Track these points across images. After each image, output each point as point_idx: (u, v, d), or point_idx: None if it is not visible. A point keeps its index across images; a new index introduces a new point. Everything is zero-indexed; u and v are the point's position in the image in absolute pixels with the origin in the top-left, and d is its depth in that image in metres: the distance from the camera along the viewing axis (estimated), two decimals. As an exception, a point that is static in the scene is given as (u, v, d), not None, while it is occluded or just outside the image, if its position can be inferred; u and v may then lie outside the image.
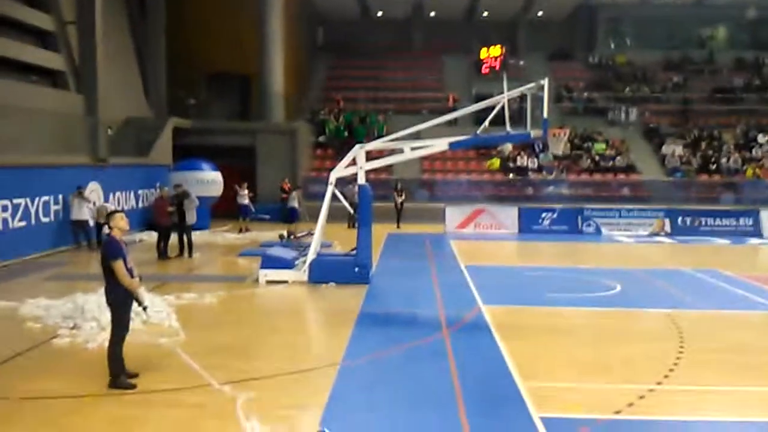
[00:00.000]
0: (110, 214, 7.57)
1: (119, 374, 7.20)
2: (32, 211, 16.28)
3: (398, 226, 24.15)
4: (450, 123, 23.08)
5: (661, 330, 10.05)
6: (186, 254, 17.01)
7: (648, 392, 7.20)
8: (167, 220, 16.71)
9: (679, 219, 23.21)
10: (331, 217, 14.56)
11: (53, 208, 17.21)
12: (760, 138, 31.97)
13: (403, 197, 24.78)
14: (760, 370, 8.16)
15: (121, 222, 7.46)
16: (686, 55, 40.38)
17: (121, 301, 7.26)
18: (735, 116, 34.64)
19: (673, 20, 42.08)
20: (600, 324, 10.57)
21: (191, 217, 17.16)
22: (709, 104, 35.72)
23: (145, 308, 7.63)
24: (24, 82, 19.85)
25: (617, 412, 6.60)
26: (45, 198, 16.82)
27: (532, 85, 13.05)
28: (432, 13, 42.37)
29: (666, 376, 7.75)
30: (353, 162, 13.90)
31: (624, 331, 10.08)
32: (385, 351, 8.68)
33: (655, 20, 41.99)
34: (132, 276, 7.26)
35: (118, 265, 7.11)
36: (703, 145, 31.55)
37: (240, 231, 21.88)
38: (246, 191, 22.46)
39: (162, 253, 16.56)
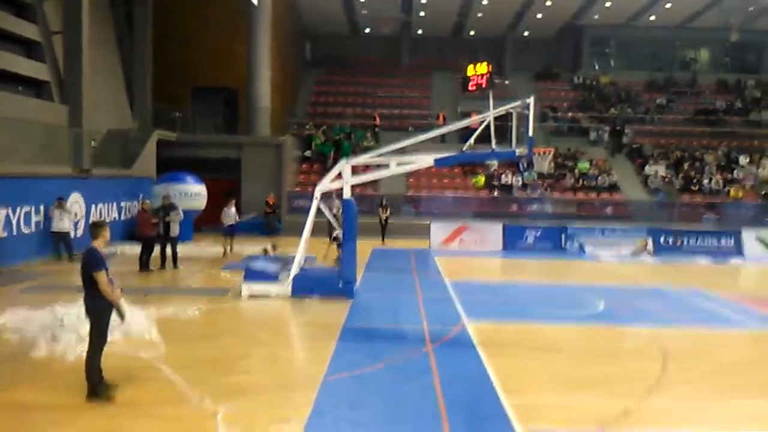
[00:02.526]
0: (99, 226, 7.52)
1: (97, 385, 7.09)
2: (13, 221, 16.09)
3: (383, 242, 24.11)
4: (439, 140, 23.21)
5: (644, 347, 10.06)
6: (169, 266, 16.90)
7: (632, 409, 7.18)
8: (150, 232, 16.58)
9: (662, 238, 23.35)
10: (315, 231, 14.48)
11: (34, 218, 17.01)
12: (742, 160, 32.39)
13: (389, 213, 24.77)
14: (741, 387, 8.19)
15: (107, 233, 7.46)
16: (670, 77, 40.93)
17: (101, 312, 7.18)
18: (717, 138, 35.08)
19: (657, 42, 42.74)
20: (584, 341, 10.57)
21: (175, 230, 17.07)
22: (691, 126, 36.16)
23: (122, 320, 7.53)
24: (8, 92, 19.68)
25: (601, 428, 6.57)
26: (26, 208, 16.63)
27: (518, 103, 13.11)
28: (420, 31, 42.76)
29: (649, 393, 7.75)
30: (339, 177, 13.89)
31: (608, 349, 10.08)
32: (368, 366, 8.61)
33: (640, 42, 42.66)
34: (113, 287, 7.19)
35: (101, 276, 7.04)
36: (686, 166, 31.88)
37: (225, 254, 19.85)
38: (233, 209, 20.39)
39: (143, 264, 16.42)
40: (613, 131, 34.16)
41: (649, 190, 30.52)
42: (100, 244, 7.34)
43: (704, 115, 36.85)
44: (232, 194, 22.31)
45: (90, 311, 7.22)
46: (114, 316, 7.32)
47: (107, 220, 20.42)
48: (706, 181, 30.51)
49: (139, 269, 16.28)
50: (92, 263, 7.09)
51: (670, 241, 23.33)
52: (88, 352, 7.23)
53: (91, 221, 18.85)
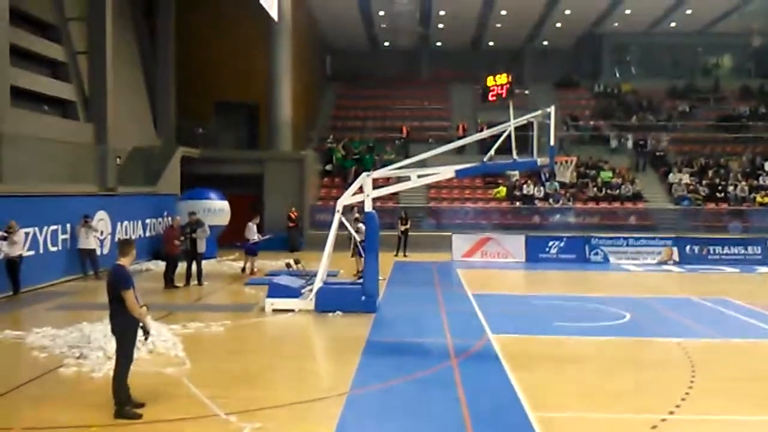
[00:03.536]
0: (126, 244, 7.61)
1: (125, 404, 7.14)
2: (41, 240, 16.31)
3: (399, 255, 23.87)
4: (457, 151, 23.21)
5: (671, 359, 9.94)
6: (195, 282, 17.06)
7: (660, 422, 7.09)
8: (176, 250, 16.71)
9: (687, 247, 23.06)
10: (337, 245, 14.52)
11: (61, 237, 17.24)
12: (767, 166, 31.92)
13: (408, 225, 24.64)
14: (773, 400, 8.04)
15: (134, 252, 7.53)
16: (692, 84, 40.54)
17: (127, 330, 7.24)
18: (741, 144, 34.64)
19: (679, 48, 42.46)
20: (610, 353, 10.46)
21: (201, 246, 17.23)
22: (715, 132, 35.75)
23: (146, 338, 7.59)
24: (35, 112, 20.02)
25: (629, 443, 6.51)
26: (53, 227, 16.86)
27: (538, 112, 13.08)
28: (438, 44, 42.87)
29: (678, 406, 7.64)
30: (360, 190, 13.94)
31: (634, 361, 9.97)
32: (392, 380, 8.60)
33: (661, 48, 42.38)
34: (139, 305, 7.25)
35: (129, 295, 7.10)
36: (710, 173, 31.51)
37: (244, 270, 19.39)
38: (255, 226, 19.49)
39: (169, 281, 16.57)
40: (638, 145, 33.63)
41: (673, 199, 30.17)
42: (126, 261, 7.40)
43: (728, 121, 36.43)
44: (257, 210, 22.27)
45: (116, 329, 7.29)
46: (139, 334, 7.38)
47: (133, 238, 20.66)
48: (731, 189, 30.09)
49: (164, 286, 16.41)
50: (120, 281, 7.15)
51: (696, 250, 23.03)
52: (115, 370, 7.29)
53: (117, 239, 19.11)
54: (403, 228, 24.37)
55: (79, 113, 22.28)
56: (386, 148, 32.28)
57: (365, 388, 8.26)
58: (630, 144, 33.86)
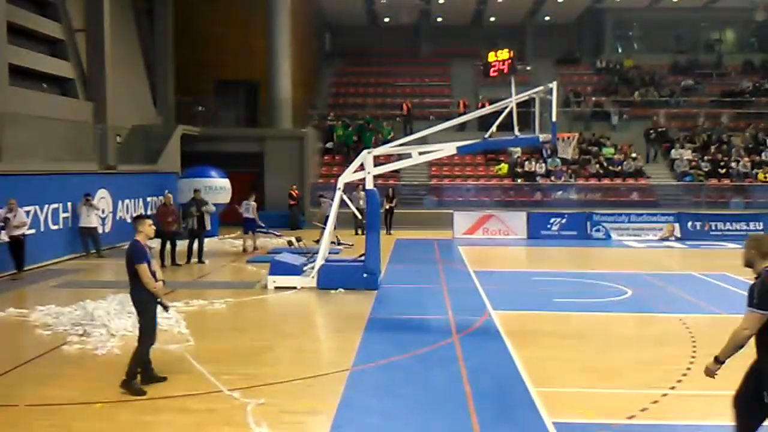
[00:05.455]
0: (139, 219, 7.69)
1: (134, 377, 7.27)
2: (41, 218, 16.31)
3: (388, 233, 23.75)
4: (458, 128, 23.09)
5: (673, 335, 9.97)
6: (195, 260, 17.09)
7: (661, 397, 7.13)
8: (170, 227, 16.60)
9: (689, 223, 23.04)
10: (339, 223, 14.53)
11: (62, 215, 17.24)
12: (770, 141, 31.78)
13: (393, 204, 24.55)
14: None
15: (148, 228, 7.59)
16: (694, 59, 40.24)
17: (145, 303, 7.39)
18: (744, 120, 34.46)
19: (681, 24, 42.04)
20: (611, 329, 10.50)
21: (208, 224, 17.39)
22: (718, 108, 35.56)
23: (166, 309, 7.77)
24: (34, 90, 19.93)
25: (631, 417, 6.53)
26: (54, 205, 16.85)
27: (540, 88, 13.01)
28: (439, 19, 42.51)
29: (679, 381, 7.68)
30: (361, 167, 13.89)
31: (636, 336, 10.02)
32: (395, 356, 8.64)
33: (663, 24, 41.93)
34: (155, 280, 7.38)
35: (143, 269, 7.23)
36: (713, 149, 31.38)
37: (245, 250, 19.35)
38: (253, 202, 19.44)
39: (165, 259, 16.52)
40: (649, 134, 33.22)
41: (676, 175, 30.07)
42: (141, 237, 7.48)
43: (730, 96, 36.20)
44: (256, 188, 22.22)
45: (135, 303, 7.48)
46: (159, 309, 7.55)
47: (149, 213, 20.63)
48: (733, 164, 29.96)
49: (161, 264, 16.28)
50: (134, 256, 7.29)
51: (698, 226, 23.01)
52: (138, 342, 7.44)
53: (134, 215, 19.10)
54: (387, 206, 24.30)
55: (78, 91, 22.20)
56: (382, 125, 32.08)
57: (367, 365, 8.30)
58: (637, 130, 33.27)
